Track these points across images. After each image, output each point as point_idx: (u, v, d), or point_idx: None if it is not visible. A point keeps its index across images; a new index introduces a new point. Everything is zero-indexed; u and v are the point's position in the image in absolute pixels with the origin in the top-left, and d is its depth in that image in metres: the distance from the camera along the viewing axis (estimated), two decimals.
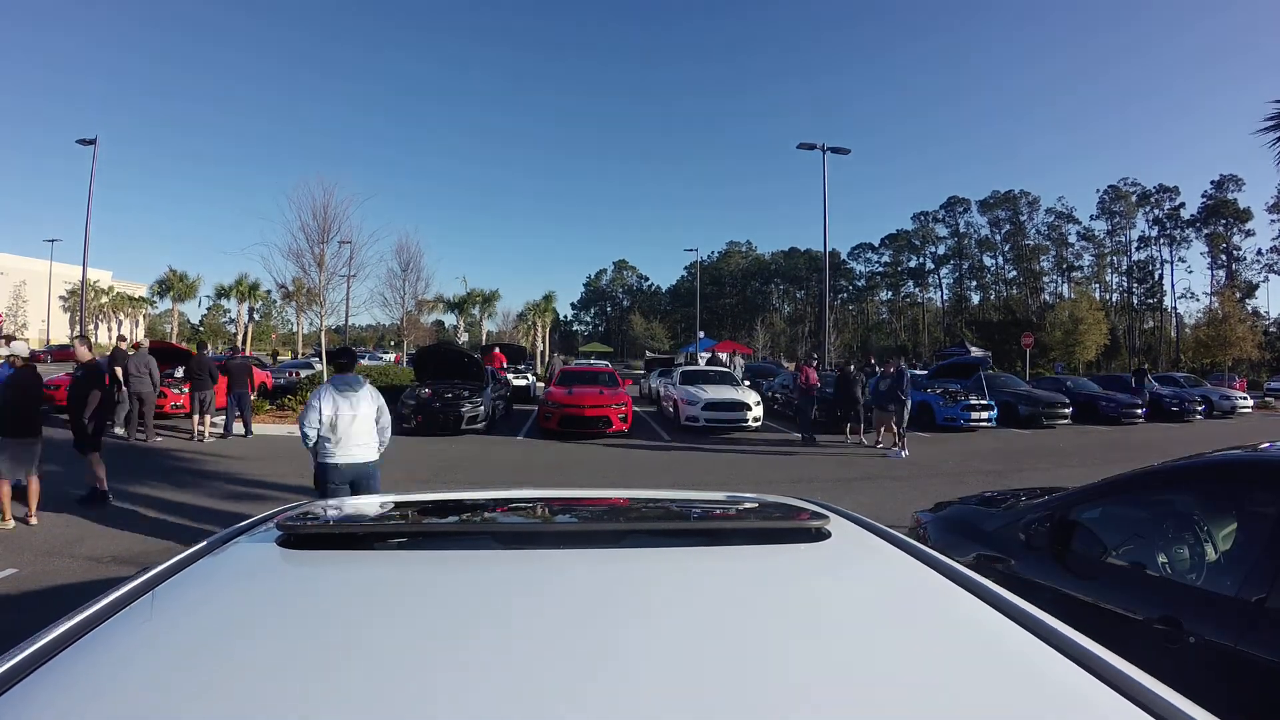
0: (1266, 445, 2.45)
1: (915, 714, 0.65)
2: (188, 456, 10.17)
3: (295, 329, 58.41)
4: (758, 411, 14.07)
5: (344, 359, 5.23)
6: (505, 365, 20.56)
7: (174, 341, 34.95)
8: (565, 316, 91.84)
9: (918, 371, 18.63)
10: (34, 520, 6.03)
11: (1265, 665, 1.76)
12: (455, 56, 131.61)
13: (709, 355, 26.25)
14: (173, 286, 59.54)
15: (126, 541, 5.66)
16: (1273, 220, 58.25)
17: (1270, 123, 10.94)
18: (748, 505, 1.61)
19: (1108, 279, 71.21)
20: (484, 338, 49.16)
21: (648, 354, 36.46)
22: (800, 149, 22.40)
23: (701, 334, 45.35)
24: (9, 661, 0.71)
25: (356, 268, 18.18)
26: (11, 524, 5.93)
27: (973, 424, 15.14)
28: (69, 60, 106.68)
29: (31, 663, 0.71)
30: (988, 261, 76.54)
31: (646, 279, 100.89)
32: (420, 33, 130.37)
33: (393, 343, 47.09)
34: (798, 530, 1.20)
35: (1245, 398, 22.75)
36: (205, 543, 1.17)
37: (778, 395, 17.98)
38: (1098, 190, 70.08)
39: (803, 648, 0.78)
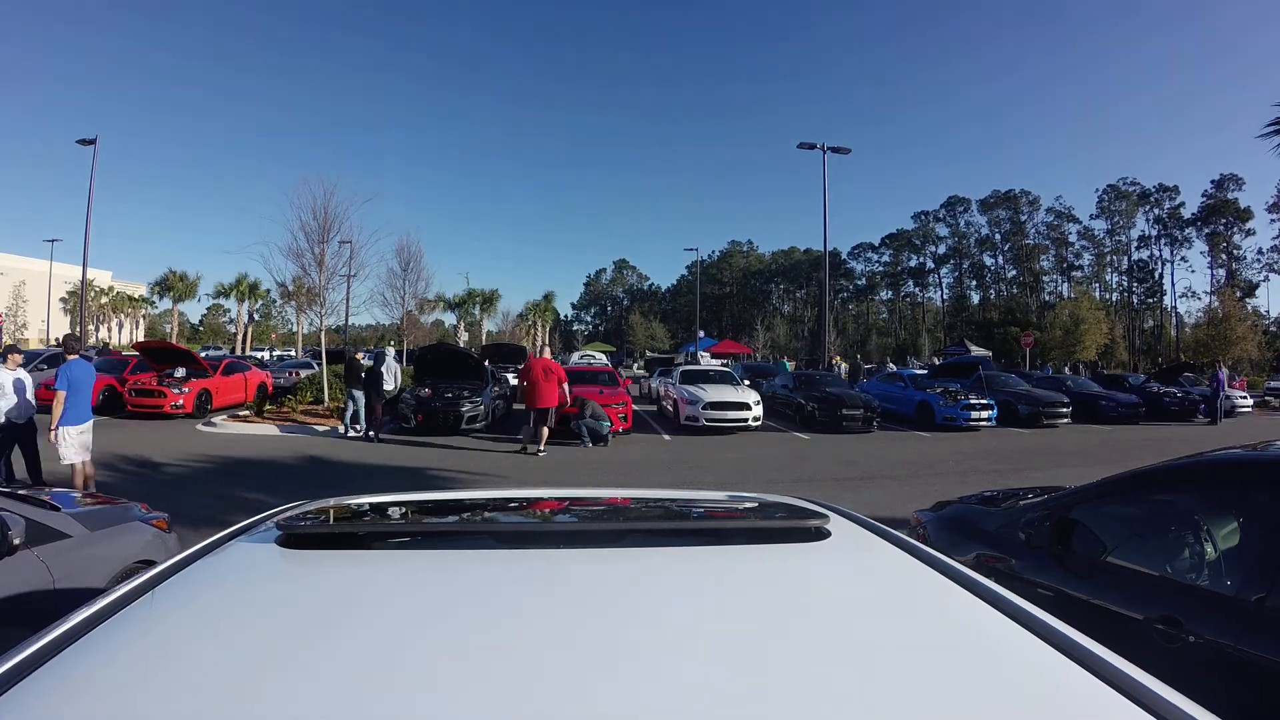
0: (1266, 444, 2.44)
1: (915, 713, 0.65)
2: None
3: (295, 329, 58.41)
4: (758, 411, 14.08)
5: None
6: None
7: (174, 341, 34.94)
8: (565, 316, 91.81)
9: (918, 371, 18.64)
10: None
11: (1265, 665, 1.76)
12: (455, 57, 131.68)
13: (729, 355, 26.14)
14: (173, 286, 59.54)
15: None
16: (1273, 220, 58.31)
17: (1273, 128, 10.88)
18: (748, 505, 1.61)
19: (1108, 278, 71.23)
20: (484, 337, 49.21)
21: (648, 354, 36.62)
22: (800, 148, 22.40)
23: (701, 334, 45.43)
24: (9, 661, 0.71)
25: (357, 267, 18.24)
26: None
27: (972, 423, 15.15)
28: (69, 60, 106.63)
29: (31, 663, 0.71)
30: (988, 261, 76.55)
31: (646, 279, 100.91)
32: (421, 32, 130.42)
33: (391, 342, 47.00)
34: (798, 530, 1.20)
35: (1245, 397, 22.68)
36: (205, 543, 1.16)
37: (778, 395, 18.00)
38: (1097, 190, 70.13)
39: (803, 647, 0.78)
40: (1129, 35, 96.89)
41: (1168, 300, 67.52)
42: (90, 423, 6.78)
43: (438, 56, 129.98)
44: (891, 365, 35.03)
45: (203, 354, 21.44)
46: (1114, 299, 68.89)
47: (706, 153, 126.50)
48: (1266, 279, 60.81)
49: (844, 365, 28.04)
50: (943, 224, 79.48)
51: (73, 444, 6.57)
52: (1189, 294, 65.81)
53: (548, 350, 12.45)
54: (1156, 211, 67.46)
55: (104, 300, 62.89)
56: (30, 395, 6.94)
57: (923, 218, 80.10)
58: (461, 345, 27.20)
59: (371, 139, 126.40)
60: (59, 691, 0.67)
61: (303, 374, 18.78)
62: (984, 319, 69.92)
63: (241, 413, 14.58)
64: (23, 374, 6.95)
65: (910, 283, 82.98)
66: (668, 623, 0.83)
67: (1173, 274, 67.17)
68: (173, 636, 0.82)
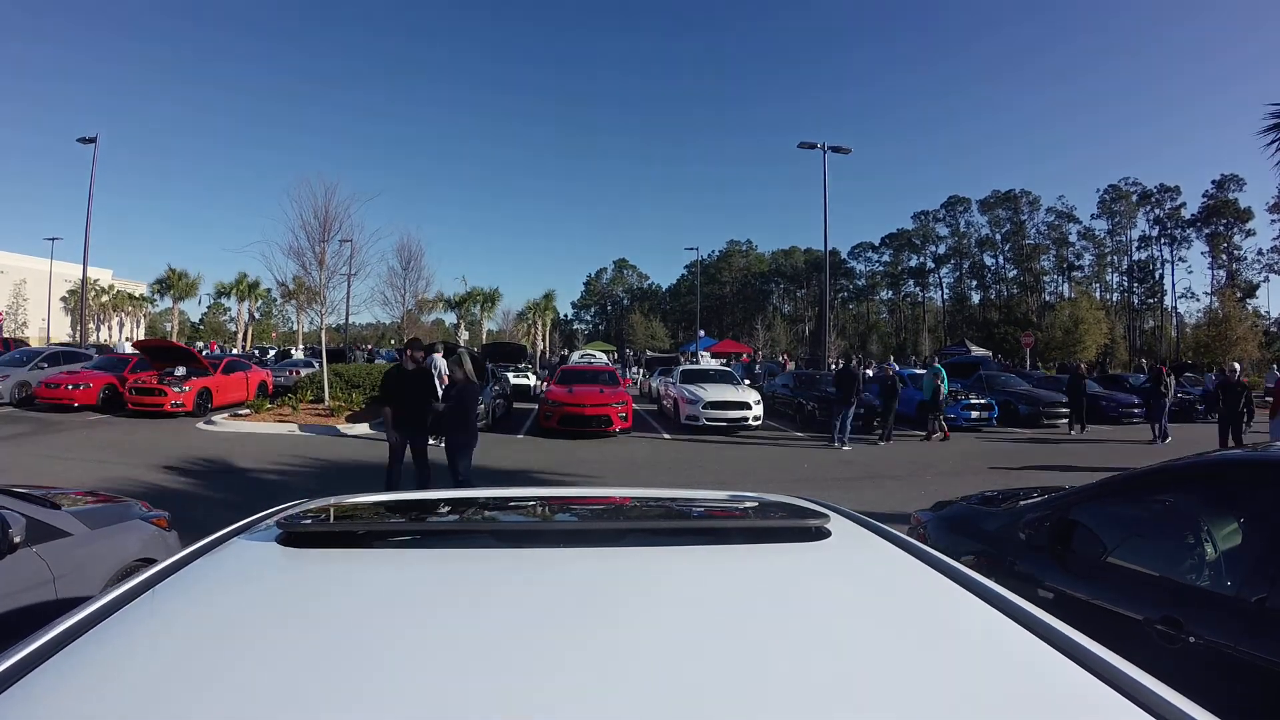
0: (1267, 445, 2.45)
1: (915, 713, 0.65)
2: None
3: (296, 327, 58.44)
4: (758, 410, 14.09)
5: None
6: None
7: (174, 340, 34.96)
8: (566, 315, 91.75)
9: (916, 371, 18.64)
10: None
11: (1265, 665, 1.76)
12: (456, 57, 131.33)
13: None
14: (173, 285, 59.50)
15: None
16: (1273, 220, 58.00)
17: (1269, 123, 10.93)
18: (748, 504, 1.61)
19: (1108, 279, 71.23)
20: (484, 336, 49.19)
21: (648, 353, 36.76)
22: (801, 148, 22.38)
23: (702, 333, 45.40)
24: (9, 660, 0.71)
25: (357, 266, 18.17)
26: None
27: (973, 423, 15.15)
28: (69, 58, 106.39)
29: (31, 662, 0.71)
30: (988, 261, 76.52)
31: (647, 278, 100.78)
32: (421, 33, 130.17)
33: (392, 341, 46.96)
34: (798, 529, 1.20)
35: None
36: (205, 541, 1.17)
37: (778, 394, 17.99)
38: (1098, 190, 70.11)
39: (803, 646, 0.78)
40: (1131, 35, 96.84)
41: (1168, 301, 67.62)
42: None
43: (439, 58, 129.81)
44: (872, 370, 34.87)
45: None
46: (1114, 299, 68.86)
47: (706, 152, 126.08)
48: (1266, 279, 60.77)
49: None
50: (943, 224, 79.40)
51: None
52: (1188, 295, 65.88)
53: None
54: (1157, 212, 67.36)
55: (104, 299, 62.89)
56: None
57: (923, 217, 79.99)
58: (462, 344, 27.20)
59: (373, 139, 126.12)
60: (59, 689, 0.67)
61: (303, 372, 18.78)
62: (984, 319, 69.92)
63: (242, 411, 14.58)
64: None
65: (910, 283, 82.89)
66: (667, 622, 0.83)
67: (1173, 274, 67.23)
68: (173, 634, 0.82)
